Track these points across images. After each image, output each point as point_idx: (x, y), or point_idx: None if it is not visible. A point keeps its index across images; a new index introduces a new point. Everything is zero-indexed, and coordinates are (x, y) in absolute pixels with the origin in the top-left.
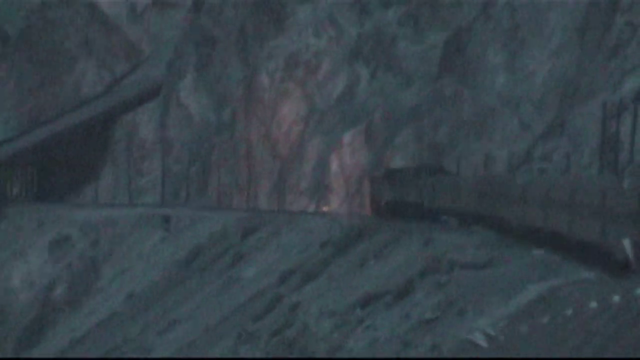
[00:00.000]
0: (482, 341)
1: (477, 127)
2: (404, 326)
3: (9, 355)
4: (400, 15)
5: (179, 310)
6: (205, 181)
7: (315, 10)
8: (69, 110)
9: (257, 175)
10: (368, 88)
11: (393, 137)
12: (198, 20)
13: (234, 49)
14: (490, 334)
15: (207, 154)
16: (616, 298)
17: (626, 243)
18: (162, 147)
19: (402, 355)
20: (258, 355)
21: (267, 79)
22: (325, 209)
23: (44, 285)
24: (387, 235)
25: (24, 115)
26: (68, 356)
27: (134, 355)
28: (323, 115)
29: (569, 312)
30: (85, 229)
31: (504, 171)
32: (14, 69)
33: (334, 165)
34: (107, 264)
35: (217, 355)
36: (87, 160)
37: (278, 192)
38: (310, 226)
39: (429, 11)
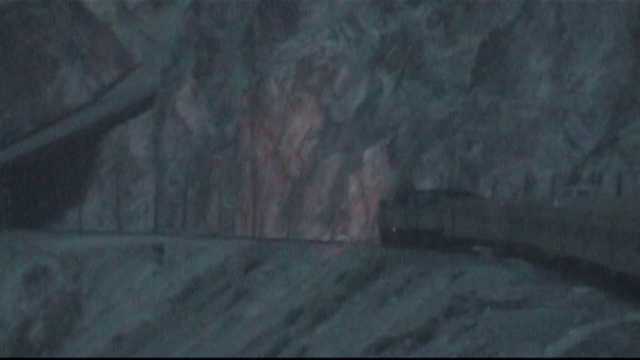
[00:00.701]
0: None
1: (517, 144)
2: None
3: None
4: (429, 14)
5: (172, 354)
6: (204, 205)
7: (331, 9)
8: (49, 124)
9: (264, 199)
10: (392, 98)
11: (420, 155)
12: (197, 20)
13: (239, 53)
14: None
15: (206, 174)
16: None
17: None
18: (156, 167)
19: None
20: None
21: (276, 87)
22: (342, 237)
23: (17, 325)
24: (411, 268)
25: None
26: None
27: None
28: (340, 130)
29: None
30: (65, 260)
31: (546, 194)
32: None
33: (353, 187)
34: (90, 301)
35: None
36: (69, 181)
37: (288, 218)
38: (324, 258)
39: (462, 10)
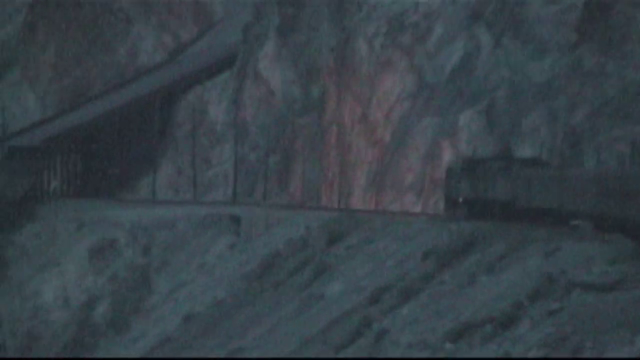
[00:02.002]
0: None
1: (624, 108)
2: None
3: None
4: None
5: (246, 336)
6: (286, 174)
7: None
8: (121, 84)
9: (351, 167)
10: (490, 58)
11: (520, 120)
12: None
13: (325, 9)
14: None
15: (290, 140)
16: None
17: None
18: (236, 131)
19: None
20: None
21: (365, 46)
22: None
23: (82, 303)
24: (504, 244)
25: (65, 90)
26: None
27: None
28: (434, 92)
29: None
30: (134, 233)
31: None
32: (54, 33)
33: (447, 155)
34: (160, 277)
35: None
36: (142, 147)
37: (376, 188)
38: (412, 232)
39: None
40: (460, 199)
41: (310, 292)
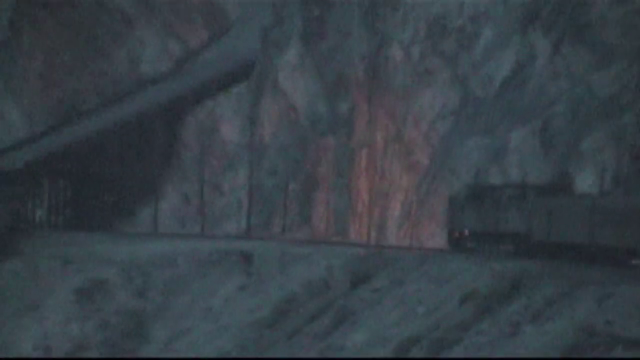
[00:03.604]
0: None
1: None
2: None
3: None
4: None
5: None
6: (309, 203)
7: None
8: (119, 98)
9: (384, 196)
10: (547, 68)
11: (580, 140)
12: None
13: (356, 9)
14: None
15: (313, 164)
16: None
17: None
18: (251, 154)
19: None
20: None
21: (401, 53)
22: None
23: (67, 353)
24: (553, 287)
25: (54, 105)
26: None
27: None
28: (480, 108)
29: None
30: (128, 272)
31: None
32: (43, 38)
33: (495, 180)
34: (157, 324)
35: None
36: (144, 171)
37: (412, 220)
38: (448, 272)
39: None
40: (466, 232)
41: (329, 343)
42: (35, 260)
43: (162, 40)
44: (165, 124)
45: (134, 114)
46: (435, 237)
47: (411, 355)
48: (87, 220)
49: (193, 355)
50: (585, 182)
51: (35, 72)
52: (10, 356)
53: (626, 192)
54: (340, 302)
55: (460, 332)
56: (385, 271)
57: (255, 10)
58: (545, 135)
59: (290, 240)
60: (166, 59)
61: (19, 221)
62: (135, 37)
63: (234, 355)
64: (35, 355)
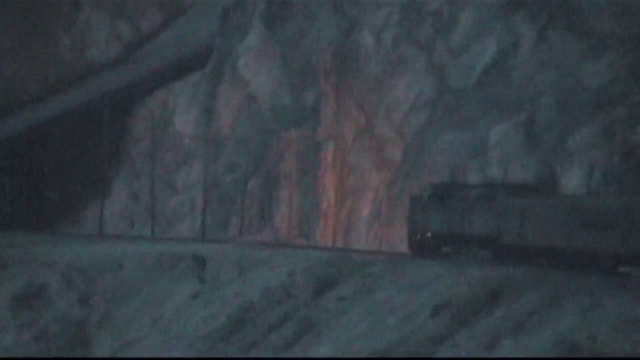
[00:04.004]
0: None
1: None
2: None
3: None
4: None
5: None
6: (271, 203)
7: None
8: (64, 86)
9: (352, 195)
10: (533, 57)
11: (568, 135)
12: None
13: None
14: None
15: (276, 159)
16: None
17: None
18: (208, 149)
19: None
20: None
21: (372, 40)
22: None
23: None
24: (537, 296)
25: None
26: None
27: None
28: (459, 100)
29: None
30: (70, 277)
31: None
32: None
33: (475, 179)
34: (102, 334)
35: None
36: (90, 166)
37: (383, 221)
38: (422, 279)
39: None
40: (429, 235)
41: (291, 357)
42: None
43: (112, 24)
44: (114, 115)
45: (80, 103)
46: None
47: None
48: (26, 220)
49: None
50: (572, 181)
51: None
52: None
53: (617, 192)
54: (303, 311)
55: (433, 346)
56: (353, 278)
57: None
58: (530, 130)
59: (250, 243)
60: (116, 44)
61: None
62: (82, 19)
63: None
64: None
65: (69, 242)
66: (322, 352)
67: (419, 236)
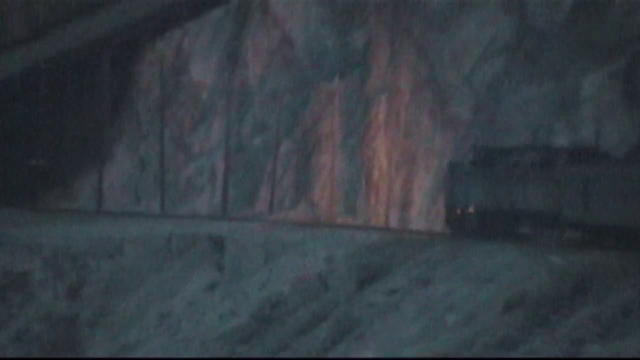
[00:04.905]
0: None
1: None
2: None
3: None
4: None
5: None
6: (307, 171)
7: None
8: (53, 26)
9: (409, 161)
10: None
11: None
12: None
13: None
14: None
15: (315, 117)
16: None
17: None
18: (231, 103)
19: None
20: None
21: None
22: None
23: None
24: (631, 290)
25: None
26: None
27: None
28: (543, 43)
29: None
30: (58, 264)
31: None
32: None
33: (561, 140)
34: (96, 334)
35: None
36: (85, 125)
37: None
38: (492, 267)
39: None
40: (471, 209)
41: None
42: None
43: None
44: (116, 61)
45: (74, 47)
46: None
47: None
48: (6, 193)
49: None
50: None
51: None
52: None
53: None
54: (343, 307)
55: (504, 351)
56: (406, 265)
57: None
58: (629, 81)
59: (281, 221)
60: None
61: None
62: None
63: None
64: None
65: (58, 220)
66: (365, 356)
67: (458, 211)
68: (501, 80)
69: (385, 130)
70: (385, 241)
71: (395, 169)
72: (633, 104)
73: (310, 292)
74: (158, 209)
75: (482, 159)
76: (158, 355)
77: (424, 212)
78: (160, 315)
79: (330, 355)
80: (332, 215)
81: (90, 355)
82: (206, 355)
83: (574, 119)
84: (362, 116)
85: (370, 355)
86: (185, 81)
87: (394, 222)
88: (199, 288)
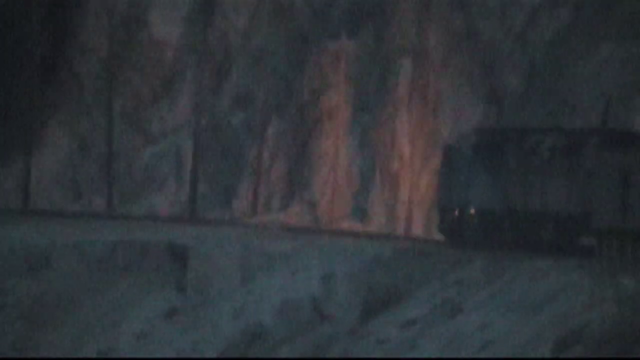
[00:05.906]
0: None
1: None
2: None
3: None
4: None
5: None
6: (304, 158)
7: None
8: None
9: (443, 142)
10: None
11: None
12: None
13: None
14: None
15: (316, 85)
16: None
17: None
18: (203, 67)
19: None
20: None
21: None
22: None
23: None
24: None
25: None
26: None
27: None
28: None
29: None
30: None
31: None
32: None
33: None
34: None
35: None
36: (8, 97)
37: None
38: (540, 291)
39: None
40: (471, 210)
41: None
42: None
43: None
44: (50, 11)
45: None
46: None
47: None
48: None
49: None
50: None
51: None
52: None
53: None
54: (344, 343)
55: None
56: (428, 288)
57: None
58: None
59: (266, 226)
60: None
61: None
62: None
63: None
64: None
65: None
66: None
67: (456, 213)
68: (565, 39)
69: (408, 105)
70: (403, 254)
71: (421, 159)
72: None
73: (300, 322)
74: (103, 208)
75: (488, 143)
76: None
77: None
78: (99, 352)
79: None
80: (334, 219)
81: None
82: None
83: None
84: (378, 86)
85: None
86: (143, 38)
87: (417, 229)
88: (152, 316)
